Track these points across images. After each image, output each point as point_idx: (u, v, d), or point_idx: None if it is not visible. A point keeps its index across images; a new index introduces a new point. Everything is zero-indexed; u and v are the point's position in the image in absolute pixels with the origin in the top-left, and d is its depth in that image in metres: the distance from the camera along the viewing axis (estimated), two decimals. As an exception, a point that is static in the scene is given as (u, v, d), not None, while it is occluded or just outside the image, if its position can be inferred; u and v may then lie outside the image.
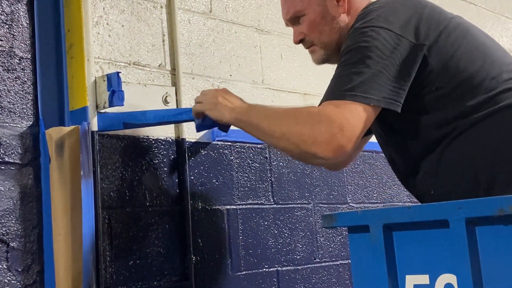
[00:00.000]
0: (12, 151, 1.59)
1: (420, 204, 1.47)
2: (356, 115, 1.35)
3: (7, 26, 1.63)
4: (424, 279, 1.12)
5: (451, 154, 1.41)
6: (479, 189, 1.37)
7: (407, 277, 1.15)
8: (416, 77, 1.40)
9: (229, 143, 2.06)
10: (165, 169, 1.87)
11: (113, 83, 1.68)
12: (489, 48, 1.48)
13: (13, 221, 1.56)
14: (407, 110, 1.42)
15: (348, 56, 1.42)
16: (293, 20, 1.64)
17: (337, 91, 1.39)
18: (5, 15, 1.63)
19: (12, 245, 1.55)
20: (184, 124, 1.91)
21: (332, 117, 1.35)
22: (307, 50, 1.66)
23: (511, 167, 1.35)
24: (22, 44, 1.65)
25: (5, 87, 1.60)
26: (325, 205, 2.32)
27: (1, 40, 1.62)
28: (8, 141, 1.58)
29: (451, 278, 1.08)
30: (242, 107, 1.57)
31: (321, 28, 1.59)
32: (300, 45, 1.66)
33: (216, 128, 1.73)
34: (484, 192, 1.36)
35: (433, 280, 1.11)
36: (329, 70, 1.58)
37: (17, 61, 1.64)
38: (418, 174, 1.49)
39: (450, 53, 1.41)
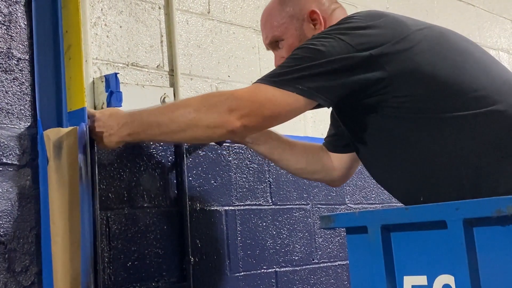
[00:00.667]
0: (10, 152, 1.59)
1: (418, 205, 1.47)
2: (269, 96, 1.39)
3: (5, 27, 1.63)
4: (422, 280, 1.12)
5: (432, 155, 1.40)
6: (464, 189, 1.36)
7: (405, 278, 1.15)
8: (375, 87, 1.40)
9: (227, 144, 2.05)
10: (163, 170, 1.87)
11: (111, 84, 1.69)
12: (466, 53, 1.47)
13: (11, 223, 1.56)
14: (381, 120, 1.42)
15: (294, 52, 1.46)
16: (272, 44, 1.68)
17: (263, 77, 1.44)
18: (2, 16, 1.63)
19: (10, 246, 1.55)
20: (182, 125, 1.90)
21: (242, 95, 1.41)
22: None
23: (495, 168, 1.34)
24: (20, 45, 1.65)
25: (3, 88, 1.60)
26: (323, 206, 2.32)
27: (-1, 41, 1.62)
28: (6, 142, 1.58)
29: (449, 279, 1.08)
30: (126, 121, 1.53)
31: None
32: None
33: None
34: (470, 192, 1.35)
35: (431, 281, 1.11)
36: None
37: (15, 62, 1.63)
38: (401, 176, 1.48)
39: (414, 62, 1.40)
